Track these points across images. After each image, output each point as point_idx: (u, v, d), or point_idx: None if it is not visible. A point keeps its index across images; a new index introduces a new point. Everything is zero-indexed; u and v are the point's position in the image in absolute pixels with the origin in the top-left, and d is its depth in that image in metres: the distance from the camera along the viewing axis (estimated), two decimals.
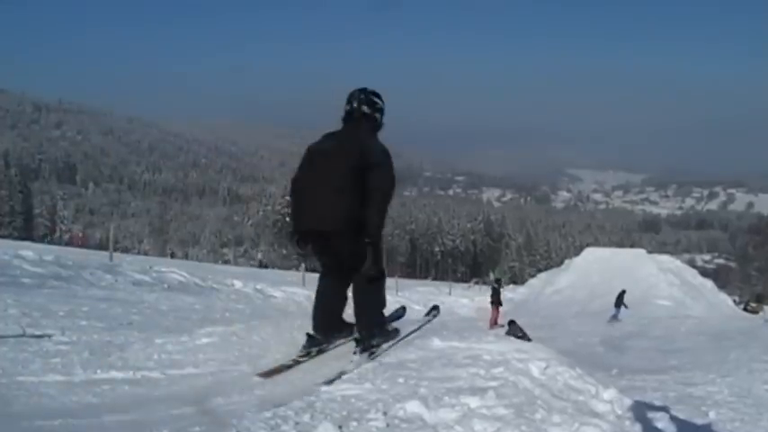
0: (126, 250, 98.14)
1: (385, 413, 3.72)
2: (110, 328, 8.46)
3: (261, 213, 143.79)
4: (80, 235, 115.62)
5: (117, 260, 23.47)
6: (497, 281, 30.91)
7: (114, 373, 4.99)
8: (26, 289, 12.82)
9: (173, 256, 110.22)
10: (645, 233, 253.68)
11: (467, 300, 37.50)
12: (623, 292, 32.74)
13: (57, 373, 4.91)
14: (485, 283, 74.61)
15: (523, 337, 13.75)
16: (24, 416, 3.83)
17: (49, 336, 6.54)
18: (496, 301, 27.72)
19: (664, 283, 42.02)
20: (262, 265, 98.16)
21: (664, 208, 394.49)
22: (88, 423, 3.76)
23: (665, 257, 52.84)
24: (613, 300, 32.62)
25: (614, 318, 30.50)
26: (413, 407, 3.76)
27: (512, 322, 16.58)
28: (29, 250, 18.91)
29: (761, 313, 48.20)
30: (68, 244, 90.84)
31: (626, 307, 31.83)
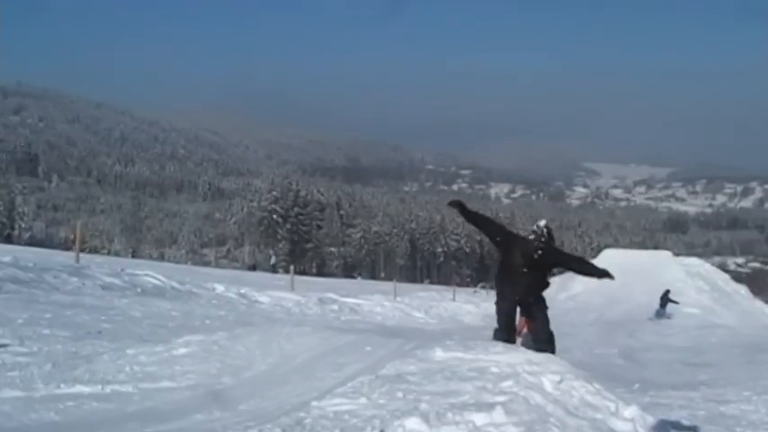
0: (95, 250, 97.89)
1: (382, 431, 3.71)
2: (76, 337, 8.44)
3: (245, 210, 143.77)
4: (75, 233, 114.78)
5: (84, 261, 23.42)
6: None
7: (80, 388, 4.96)
8: None
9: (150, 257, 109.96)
10: (670, 233, 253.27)
11: (472, 306, 37.49)
12: (668, 291, 33.89)
13: (14, 389, 4.87)
14: (492, 287, 74.56)
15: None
16: None
17: (5, 346, 6.52)
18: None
19: (692, 288, 41.99)
20: (250, 268, 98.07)
21: (692, 205, 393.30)
22: None
23: (693, 260, 52.83)
24: (634, 304, 33.23)
25: (660, 315, 31.15)
26: (413, 424, 3.75)
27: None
28: None
29: None
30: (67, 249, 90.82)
31: (675, 302, 33.25)
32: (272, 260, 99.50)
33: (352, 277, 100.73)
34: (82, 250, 28.05)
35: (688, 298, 39.69)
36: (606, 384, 5.14)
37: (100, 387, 4.98)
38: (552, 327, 15.99)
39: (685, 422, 7.35)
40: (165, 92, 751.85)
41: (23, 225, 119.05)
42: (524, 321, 26.52)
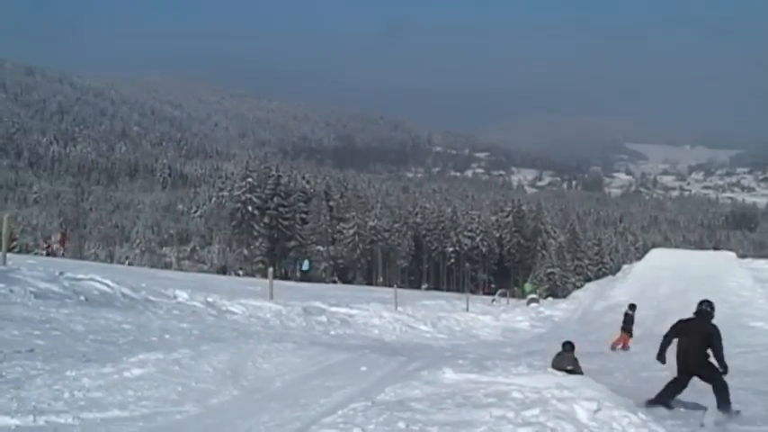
0: (26, 250, 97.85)
1: None
2: (1, 357, 8.43)
3: (214, 201, 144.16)
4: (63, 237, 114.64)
5: (13, 263, 23.41)
6: (632, 306, 31.77)
7: (5, 420, 4.95)
8: None
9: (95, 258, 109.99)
10: (735, 230, 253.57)
11: (490, 318, 37.52)
12: None
13: None
14: (513, 295, 74.58)
15: (574, 370, 13.44)
16: None
17: None
18: (628, 330, 28.89)
19: (761, 298, 41.92)
20: (219, 271, 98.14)
21: (762, 196, 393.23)
22: None
23: (763, 263, 52.73)
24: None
25: None
26: None
27: (568, 347, 15.58)
28: None
29: None
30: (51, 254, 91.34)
31: None
32: (306, 266, 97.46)
33: (348, 282, 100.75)
34: (10, 250, 28.03)
35: (757, 310, 39.68)
36: (655, 416, 5.14)
37: (31, 418, 4.96)
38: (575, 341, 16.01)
39: None
40: (115, 57, 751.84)
41: None
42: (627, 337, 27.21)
